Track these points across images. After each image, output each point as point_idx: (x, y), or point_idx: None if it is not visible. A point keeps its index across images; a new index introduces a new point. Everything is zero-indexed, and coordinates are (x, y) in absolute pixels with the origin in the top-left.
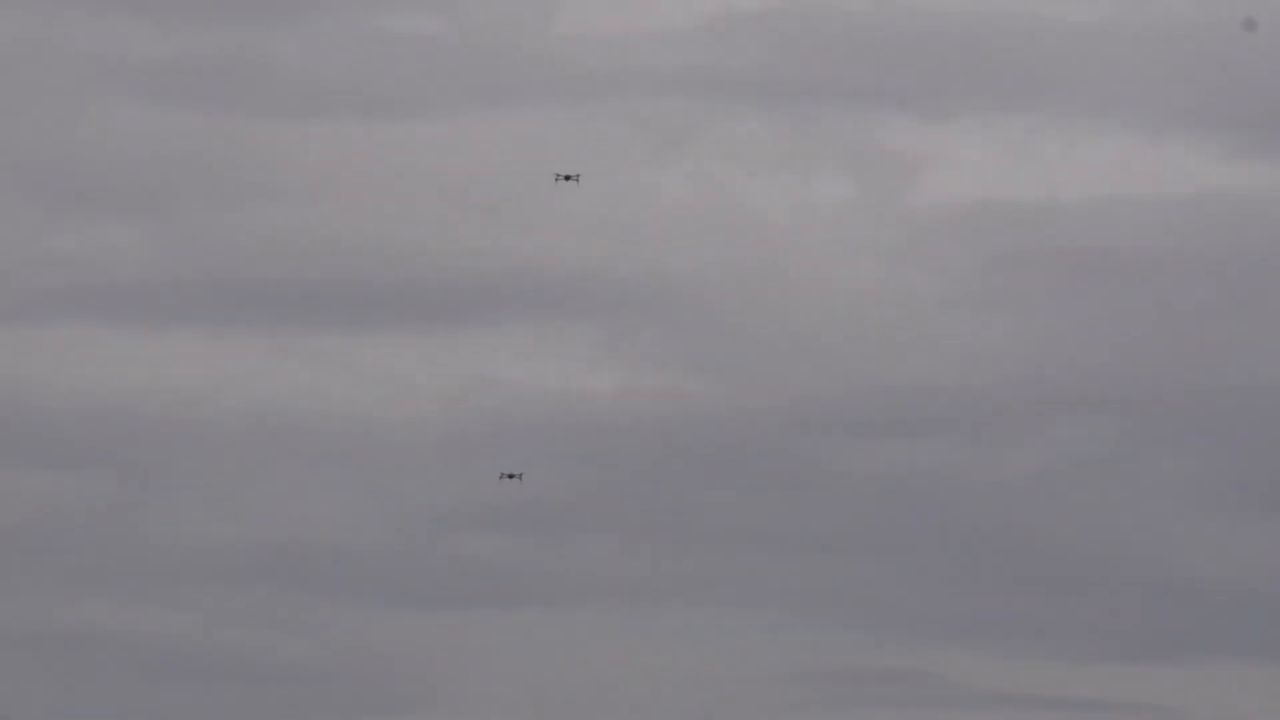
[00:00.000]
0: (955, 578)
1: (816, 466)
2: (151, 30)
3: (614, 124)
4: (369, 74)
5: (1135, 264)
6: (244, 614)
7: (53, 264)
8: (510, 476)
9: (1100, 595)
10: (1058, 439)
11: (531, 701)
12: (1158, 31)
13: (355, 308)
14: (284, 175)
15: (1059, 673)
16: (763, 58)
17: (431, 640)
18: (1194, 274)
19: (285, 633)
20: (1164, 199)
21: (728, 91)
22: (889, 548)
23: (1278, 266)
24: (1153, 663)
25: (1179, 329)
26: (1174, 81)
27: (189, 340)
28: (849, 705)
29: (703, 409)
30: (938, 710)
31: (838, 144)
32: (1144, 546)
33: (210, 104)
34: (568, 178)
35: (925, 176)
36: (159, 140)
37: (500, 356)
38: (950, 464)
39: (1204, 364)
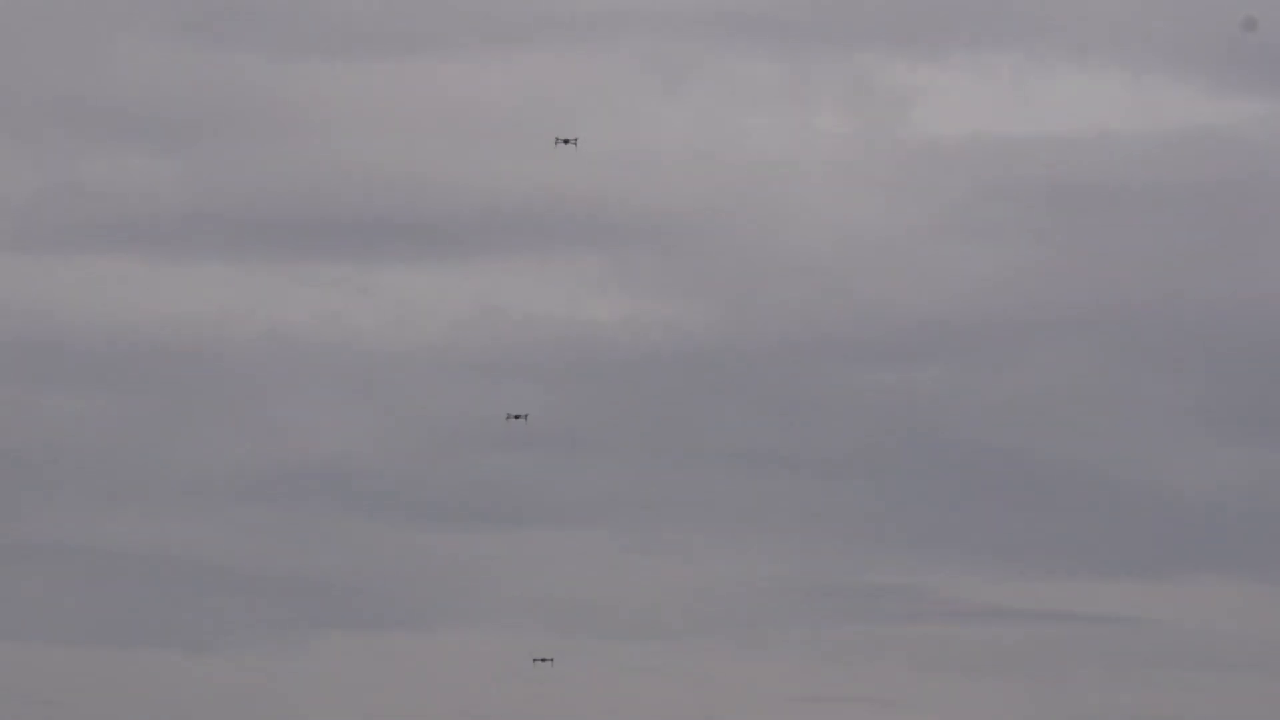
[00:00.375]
0: (947, 497)
1: (813, 391)
2: None
3: (620, 61)
4: (385, 14)
5: (1120, 195)
6: (263, 530)
7: (80, 197)
8: (516, 417)
9: (1087, 513)
10: (1045, 363)
11: (538, 613)
12: None
13: (370, 238)
14: (303, 109)
15: (1047, 587)
16: None
17: (445, 554)
18: (1176, 204)
19: (302, 548)
20: (1148, 133)
21: (729, 30)
22: (883, 468)
23: (1256, 197)
24: (1137, 578)
25: (1162, 257)
26: (1158, 20)
27: (211, 269)
28: (845, 619)
29: (704, 336)
30: (929, 623)
31: (835, 81)
32: (1129, 466)
33: (234, 42)
34: (566, 141)
35: (919, 112)
36: (185, 77)
37: (509, 285)
38: (943, 387)
39: (1186, 290)
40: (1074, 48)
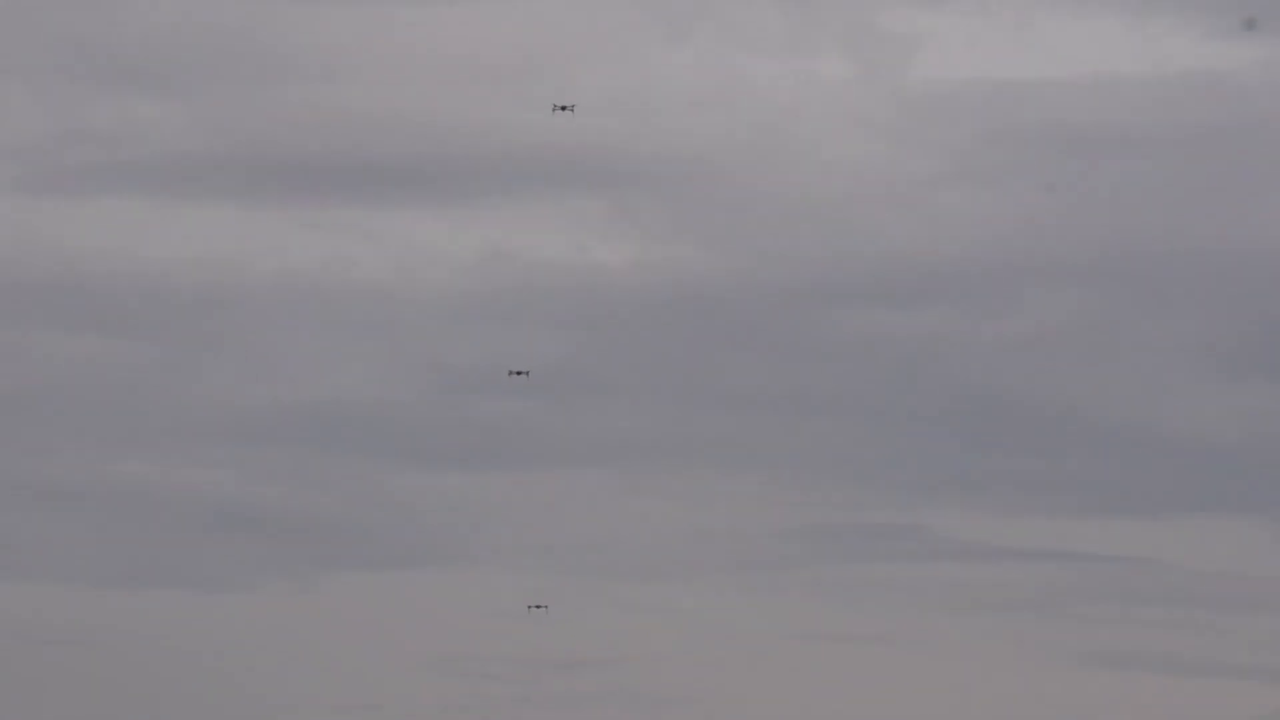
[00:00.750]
0: (949, 439)
1: (817, 334)
2: None
3: (624, 6)
4: None
5: (1121, 139)
6: (274, 470)
7: (92, 139)
8: (518, 374)
9: (1087, 454)
10: (1046, 305)
11: (544, 553)
12: None
13: (379, 181)
14: (313, 54)
15: (1047, 527)
16: None
17: (451, 496)
18: (1178, 148)
19: (313, 488)
20: (1151, 77)
21: None
22: (886, 410)
23: (1258, 140)
24: (1136, 517)
25: (1164, 200)
26: None
27: (222, 212)
28: (843, 557)
29: (708, 280)
30: (927, 562)
31: (838, 26)
32: (1128, 407)
33: None
34: (564, 108)
35: (921, 56)
36: (194, 21)
37: (516, 229)
38: (943, 329)
39: (1188, 233)
40: None
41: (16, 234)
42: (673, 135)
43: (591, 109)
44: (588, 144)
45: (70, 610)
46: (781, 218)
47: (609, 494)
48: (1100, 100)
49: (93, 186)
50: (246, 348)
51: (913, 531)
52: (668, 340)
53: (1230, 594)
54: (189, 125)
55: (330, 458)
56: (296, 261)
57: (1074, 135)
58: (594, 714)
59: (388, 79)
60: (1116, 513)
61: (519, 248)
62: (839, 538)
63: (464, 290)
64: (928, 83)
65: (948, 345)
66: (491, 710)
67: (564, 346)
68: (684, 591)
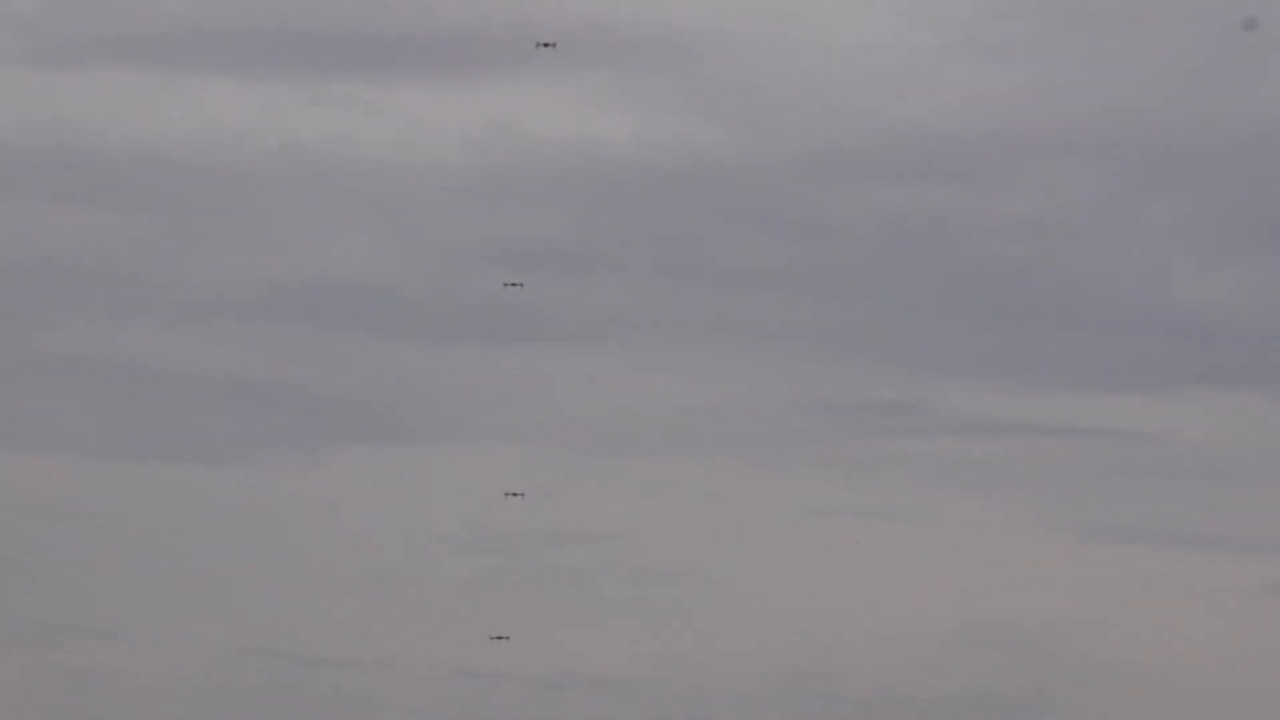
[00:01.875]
0: (953, 314)
1: (822, 209)
2: None
3: None
4: None
5: (1131, 12)
6: (275, 346)
7: (90, 10)
8: (512, 285)
9: (1091, 328)
10: (1052, 180)
11: (549, 431)
12: None
13: (382, 55)
14: None
15: (1051, 402)
16: None
17: (455, 373)
18: (1188, 19)
19: (316, 363)
20: None
21: None
22: (891, 287)
23: (1267, 10)
24: (1140, 391)
25: (1172, 72)
26: None
27: (223, 86)
28: (852, 434)
29: (713, 154)
30: (932, 438)
31: None
32: (1132, 281)
33: None
34: (547, 45)
35: None
36: None
37: (520, 103)
38: (950, 205)
39: (1196, 111)
40: None
41: (15, 105)
42: (677, 8)
43: None
44: (592, 17)
45: (72, 482)
46: (786, 91)
47: (613, 370)
48: None
49: (92, 57)
50: (247, 222)
51: (918, 407)
52: (674, 216)
53: (1234, 467)
54: None
55: (333, 333)
56: (298, 136)
57: (1083, 6)
58: (597, 588)
59: None
60: (1122, 387)
61: (522, 121)
62: (844, 413)
63: (467, 165)
64: None
65: (955, 221)
66: (496, 582)
67: (567, 222)
68: (688, 467)
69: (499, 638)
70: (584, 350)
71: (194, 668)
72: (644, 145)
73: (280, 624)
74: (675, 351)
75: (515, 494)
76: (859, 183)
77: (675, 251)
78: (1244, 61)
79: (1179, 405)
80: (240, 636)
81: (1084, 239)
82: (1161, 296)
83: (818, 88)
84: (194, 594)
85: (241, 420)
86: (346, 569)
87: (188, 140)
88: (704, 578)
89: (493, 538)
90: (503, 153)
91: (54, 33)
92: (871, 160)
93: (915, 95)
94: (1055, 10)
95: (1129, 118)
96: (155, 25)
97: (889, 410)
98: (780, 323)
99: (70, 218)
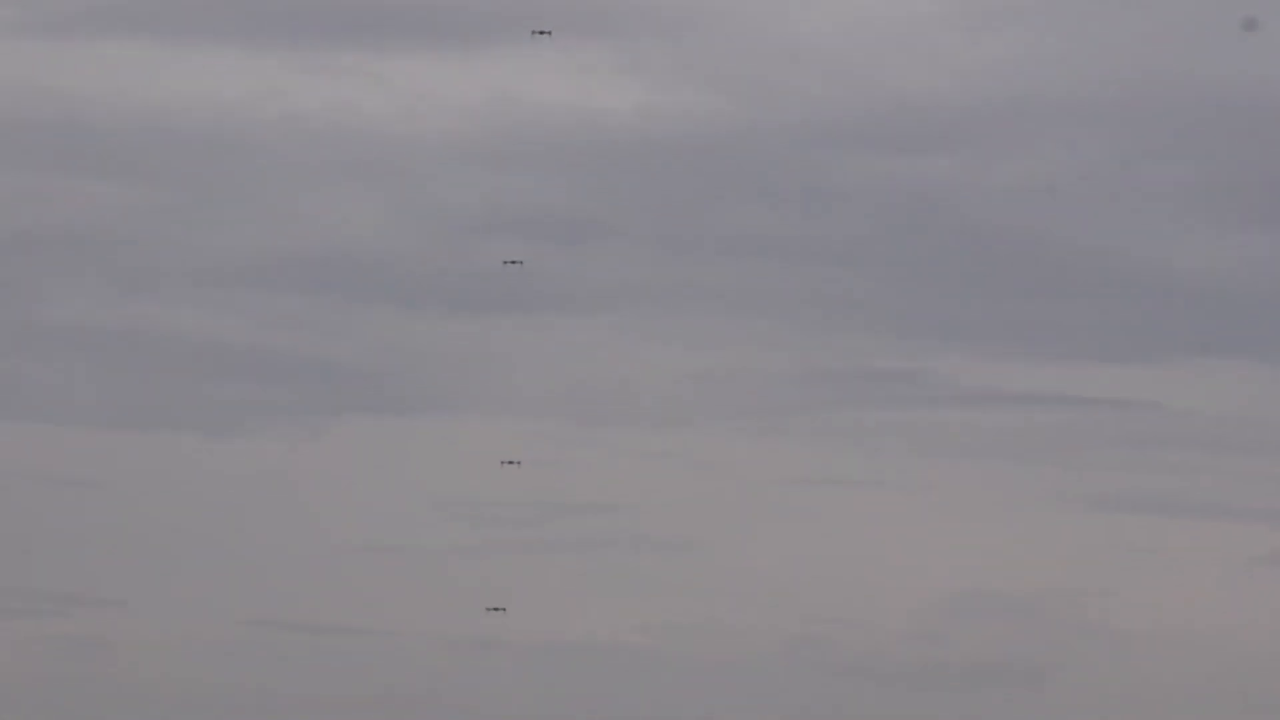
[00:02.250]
0: (955, 283)
1: (824, 178)
2: None
3: None
4: None
5: None
6: (278, 315)
7: None
8: (511, 263)
9: (1093, 297)
10: (1055, 147)
11: (549, 401)
12: None
13: (384, 25)
14: None
15: (1052, 371)
16: None
17: (458, 342)
18: None
19: (320, 334)
20: None
21: None
22: (892, 256)
23: (1270, 19)
24: (1142, 361)
25: (1177, 38)
26: None
27: (225, 56)
28: (852, 403)
29: (715, 124)
30: (936, 408)
31: None
32: (1136, 250)
33: None
34: (543, 32)
35: None
36: None
37: (521, 74)
38: (952, 173)
39: (1199, 71)
40: None
41: (16, 75)
42: None
43: None
44: None
45: (77, 451)
46: (789, 59)
47: (614, 339)
48: None
49: (93, 26)
50: (249, 193)
51: (918, 376)
52: (676, 185)
53: (1236, 437)
54: None
55: (336, 303)
56: (301, 105)
57: None
58: (598, 557)
59: None
60: (1124, 357)
61: (524, 91)
62: (844, 383)
63: (469, 135)
64: None
65: (955, 189)
66: (498, 553)
67: (569, 192)
68: (688, 437)
69: (496, 609)
70: (584, 320)
71: (196, 635)
72: (645, 115)
73: (280, 592)
74: (676, 321)
75: (511, 462)
76: (860, 152)
77: (676, 221)
78: (1242, 32)
79: (1180, 375)
80: (240, 605)
81: (1085, 208)
82: (1163, 266)
83: (818, 57)
84: (195, 563)
85: (243, 390)
86: (346, 539)
87: (190, 110)
88: (703, 547)
89: (492, 508)
90: (505, 123)
91: (56, 3)
92: (872, 129)
93: (913, 62)
94: None
95: (1130, 86)
96: None
97: (890, 379)
98: (781, 292)
99: (72, 188)
